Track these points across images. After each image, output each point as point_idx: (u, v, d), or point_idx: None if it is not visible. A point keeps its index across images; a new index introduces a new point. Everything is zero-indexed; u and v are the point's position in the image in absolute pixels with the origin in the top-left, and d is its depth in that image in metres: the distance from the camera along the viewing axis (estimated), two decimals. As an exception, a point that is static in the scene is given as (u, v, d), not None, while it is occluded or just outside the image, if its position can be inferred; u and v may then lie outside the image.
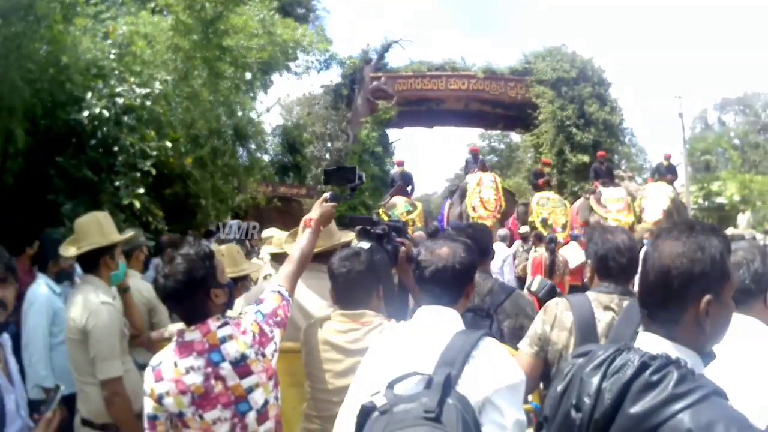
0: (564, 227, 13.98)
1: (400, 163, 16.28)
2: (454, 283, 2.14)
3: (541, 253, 10.99)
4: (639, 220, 13.31)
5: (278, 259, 5.48)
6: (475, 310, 2.83)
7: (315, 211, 2.92)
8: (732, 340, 1.59)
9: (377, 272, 2.73)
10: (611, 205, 13.88)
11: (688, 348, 1.46)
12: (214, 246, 9.55)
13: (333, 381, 2.63)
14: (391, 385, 1.90)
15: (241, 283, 4.27)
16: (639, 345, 1.50)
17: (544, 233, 13.32)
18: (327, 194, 2.99)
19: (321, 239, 3.09)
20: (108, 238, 3.55)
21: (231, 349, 2.23)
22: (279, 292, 2.52)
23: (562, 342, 2.51)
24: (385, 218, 13.85)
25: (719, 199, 27.93)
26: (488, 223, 13.63)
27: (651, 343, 1.49)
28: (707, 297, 1.44)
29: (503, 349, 2.03)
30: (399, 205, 14.71)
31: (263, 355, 2.29)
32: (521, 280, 11.12)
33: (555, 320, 2.56)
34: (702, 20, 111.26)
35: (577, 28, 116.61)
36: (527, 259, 11.62)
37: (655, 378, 1.34)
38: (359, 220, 3.16)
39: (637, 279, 1.75)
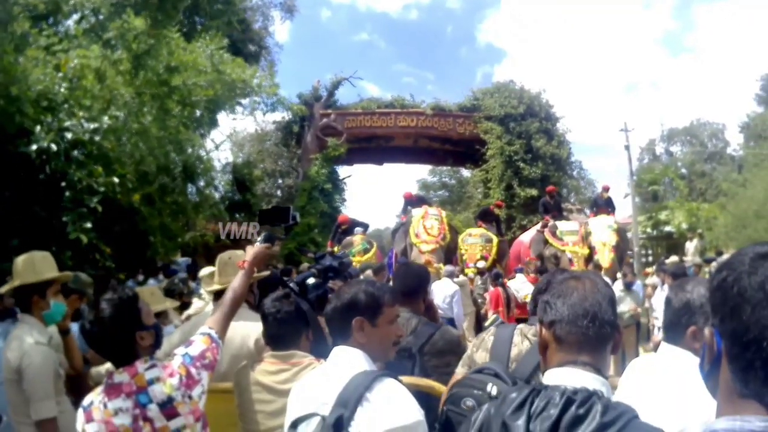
0: (477, 262, 14.01)
1: (344, 221, 15.93)
2: (337, 320, 2.22)
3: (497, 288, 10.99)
4: (590, 256, 13.44)
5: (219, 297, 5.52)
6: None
7: (248, 253, 2.93)
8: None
9: (305, 315, 2.82)
10: (567, 237, 14.10)
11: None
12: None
13: (264, 421, 2.69)
14: (294, 425, 2.02)
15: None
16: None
17: (465, 269, 13.46)
18: (260, 236, 3.01)
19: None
20: (37, 276, 3.54)
21: (158, 391, 2.28)
22: (209, 334, 2.56)
23: (481, 360, 2.63)
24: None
25: (667, 228, 28.58)
26: (431, 247, 13.69)
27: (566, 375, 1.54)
28: None
29: (401, 389, 2.04)
30: (356, 244, 14.50)
31: (190, 398, 2.34)
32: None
33: (481, 343, 2.69)
34: (648, 52, 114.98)
35: (521, 61, 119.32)
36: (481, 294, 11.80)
37: (582, 411, 1.39)
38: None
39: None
